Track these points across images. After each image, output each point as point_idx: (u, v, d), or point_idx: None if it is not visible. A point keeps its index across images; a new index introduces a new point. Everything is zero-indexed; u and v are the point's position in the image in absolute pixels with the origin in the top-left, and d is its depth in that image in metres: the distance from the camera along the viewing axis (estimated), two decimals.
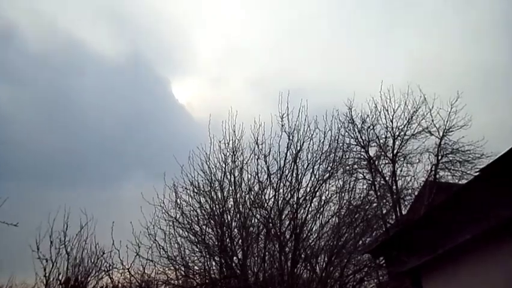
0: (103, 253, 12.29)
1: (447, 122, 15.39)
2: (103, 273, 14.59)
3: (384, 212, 13.43)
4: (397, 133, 15.94)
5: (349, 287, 11.43)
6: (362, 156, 16.02)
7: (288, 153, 10.60)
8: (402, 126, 15.85)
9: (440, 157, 15.55)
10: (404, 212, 15.00)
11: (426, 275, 3.59)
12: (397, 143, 15.97)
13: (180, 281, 10.66)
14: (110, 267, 9.15)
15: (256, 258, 10.17)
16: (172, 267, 10.19)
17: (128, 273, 8.52)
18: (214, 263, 10.42)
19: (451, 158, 15.74)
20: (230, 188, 10.61)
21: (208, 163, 10.89)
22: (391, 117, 15.92)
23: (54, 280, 16.06)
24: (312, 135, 10.84)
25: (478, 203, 2.92)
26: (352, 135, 16.01)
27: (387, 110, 16.01)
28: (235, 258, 9.97)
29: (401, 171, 15.68)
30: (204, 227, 10.52)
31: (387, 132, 16.03)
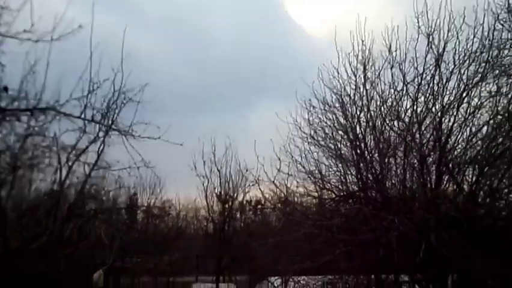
0: (246, 170, 13.71)
1: None
2: (250, 186, 16.56)
3: None
4: None
5: (504, 202, 10.37)
6: None
7: (428, 57, 9.49)
8: None
9: None
10: None
11: None
12: None
13: (318, 193, 11.28)
14: (257, 180, 10.20)
15: (394, 171, 9.95)
16: (310, 181, 10.83)
17: (273, 184, 9.41)
18: (350, 177, 10.64)
19: None
20: (362, 102, 10.27)
21: (337, 78, 10.61)
22: None
23: (210, 193, 19.21)
24: (457, 33, 9.36)
25: None
26: (510, 28, 13.17)
27: None
28: (372, 171, 9.92)
29: None
30: (339, 143, 10.68)
31: None
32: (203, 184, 18.75)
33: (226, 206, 20.02)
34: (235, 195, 19.36)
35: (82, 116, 5.99)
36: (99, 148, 8.83)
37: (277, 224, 15.18)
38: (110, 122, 7.57)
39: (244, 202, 26.31)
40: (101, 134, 8.09)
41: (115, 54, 6.81)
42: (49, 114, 5.87)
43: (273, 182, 9.29)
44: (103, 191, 14.68)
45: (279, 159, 9.85)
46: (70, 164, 9.27)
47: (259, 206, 27.01)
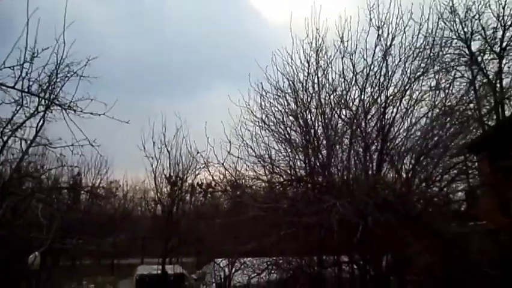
0: (198, 152, 13.50)
1: None
2: (200, 169, 16.39)
3: (483, 112, 12.22)
4: (509, 22, 13.55)
5: (436, 188, 11.23)
6: (462, 52, 14.21)
7: (377, 50, 9.89)
8: None
9: None
10: (507, 114, 13.49)
11: None
12: (508, 34, 13.68)
13: (267, 177, 11.46)
14: (207, 162, 10.10)
15: (340, 158, 10.36)
16: (260, 165, 10.96)
17: (223, 167, 9.38)
18: (299, 162, 10.92)
19: None
20: (314, 89, 10.51)
21: (290, 64, 10.73)
22: (504, 3, 13.42)
23: (159, 175, 18.75)
24: (405, 28, 9.82)
25: None
26: (452, 28, 14.06)
27: None
28: (319, 156, 10.25)
29: (508, 68, 13.73)
30: (289, 128, 10.86)
31: (497, 21, 13.71)
32: (152, 165, 18.24)
33: (176, 188, 19.71)
34: (185, 177, 19.10)
35: (17, 86, 5.55)
36: (38, 123, 8.27)
37: (225, 207, 15.31)
38: (51, 95, 7.11)
39: (195, 185, 26.14)
40: (41, 108, 7.58)
41: (59, 23, 6.33)
42: None
43: (223, 164, 9.28)
44: (42, 169, 13.87)
45: (230, 142, 9.85)
46: (4, 139, 8.61)
47: (210, 189, 26.92)
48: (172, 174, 18.82)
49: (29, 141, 9.08)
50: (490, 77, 13.63)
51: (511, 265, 7.63)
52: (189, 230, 17.57)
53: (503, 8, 13.46)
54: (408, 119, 9.94)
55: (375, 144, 9.97)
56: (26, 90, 5.80)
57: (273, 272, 10.92)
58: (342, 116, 10.27)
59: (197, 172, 18.48)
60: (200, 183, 26.10)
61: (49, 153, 11.87)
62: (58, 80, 7.19)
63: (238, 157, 10.40)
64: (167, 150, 17.94)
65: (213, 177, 10.86)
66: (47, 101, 7.33)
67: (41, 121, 8.27)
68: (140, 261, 27.34)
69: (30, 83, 5.82)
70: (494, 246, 8.17)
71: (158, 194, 19.64)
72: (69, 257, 23.31)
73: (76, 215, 16.49)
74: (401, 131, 10.01)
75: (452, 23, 13.98)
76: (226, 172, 9.65)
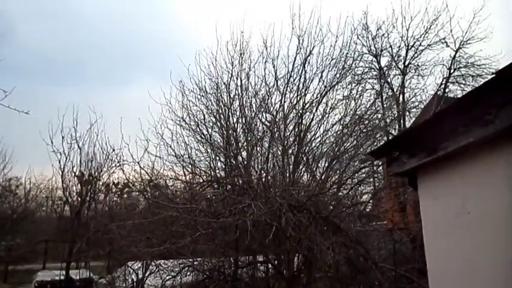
0: (113, 149, 12.73)
1: (466, 33, 14.62)
2: (115, 167, 15.45)
3: (388, 121, 13.51)
4: (412, 43, 15.28)
5: (346, 190, 12.07)
6: (372, 66, 15.61)
7: (298, 57, 10.38)
8: (419, 35, 15.12)
9: (452, 70, 15.14)
10: (408, 124, 15.13)
11: (423, 176, 3.70)
12: (410, 53, 15.42)
13: (187, 178, 11.25)
14: (121, 161, 9.55)
15: (259, 160, 10.60)
16: (179, 165, 10.72)
17: (138, 165, 8.96)
18: (219, 163, 10.93)
19: (463, 72, 15.33)
20: (236, 92, 10.61)
21: (214, 65, 10.71)
22: (408, 26, 15.10)
23: (69, 172, 17.24)
24: (323, 39, 10.45)
25: (488, 105, 2.83)
26: (365, 44, 15.41)
27: (404, 17, 15.14)
28: (239, 158, 10.37)
29: (410, 83, 15.45)
30: (210, 129, 10.81)
31: (401, 41, 15.36)
32: (59, 162, 16.72)
33: (90, 187, 18.34)
34: (99, 175, 17.87)
35: None
36: None
37: (142, 207, 14.64)
38: None
39: (111, 184, 24.63)
40: None
41: None
42: None
43: (138, 163, 8.87)
44: None
45: (147, 140, 9.48)
46: None
47: (127, 189, 25.61)
48: (83, 172, 17.49)
49: None
50: (395, 90, 15.19)
51: (401, 259, 8.52)
52: (100, 232, 16.44)
53: (407, 30, 15.14)
54: (323, 125, 10.59)
55: (293, 147, 10.41)
56: None
57: (188, 273, 10.73)
58: (263, 120, 10.54)
59: (112, 171, 17.44)
60: (116, 182, 24.71)
61: None
62: None
63: (156, 156, 10.08)
64: (78, 146, 16.64)
65: (126, 177, 10.33)
66: None
67: None
68: (42, 267, 24.84)
69: None
70: (389, 243, 9.05)
71: (67, 193, 18.07)
72: None
73: None
74: (317, 135, 10.62)
75: (365, 39, 15.30)
76: (142, 171, 9.24)
